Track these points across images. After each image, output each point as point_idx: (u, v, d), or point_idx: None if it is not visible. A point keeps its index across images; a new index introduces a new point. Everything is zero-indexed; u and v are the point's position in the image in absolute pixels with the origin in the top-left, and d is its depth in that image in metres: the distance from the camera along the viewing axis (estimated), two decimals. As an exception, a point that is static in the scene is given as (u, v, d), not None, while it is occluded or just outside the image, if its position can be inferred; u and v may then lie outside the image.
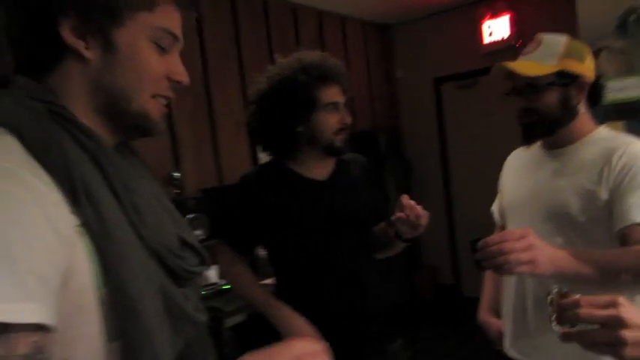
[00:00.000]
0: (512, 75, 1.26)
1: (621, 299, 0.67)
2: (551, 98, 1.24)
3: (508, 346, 1.38)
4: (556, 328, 0.71)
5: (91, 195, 0.59)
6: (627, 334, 0.65)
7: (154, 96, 0.69)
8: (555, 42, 1.26)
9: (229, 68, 3.16)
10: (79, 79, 0.65)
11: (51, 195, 0.56)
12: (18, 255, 0.49)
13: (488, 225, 1.57)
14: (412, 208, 1.26)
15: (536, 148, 1.37)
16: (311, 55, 1.43)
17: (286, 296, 1.36)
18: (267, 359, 0.62)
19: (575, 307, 0.68)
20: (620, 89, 2.13)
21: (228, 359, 1.60)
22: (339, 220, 1.41)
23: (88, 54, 0.64)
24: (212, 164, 3.02)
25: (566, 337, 0.70)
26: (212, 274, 2.59)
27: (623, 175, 1.14)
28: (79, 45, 0.63)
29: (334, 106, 1.40)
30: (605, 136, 1.26)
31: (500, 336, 1.42)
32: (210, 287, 2.52)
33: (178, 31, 0.71)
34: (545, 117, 1.24)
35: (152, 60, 0.67)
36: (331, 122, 1.40)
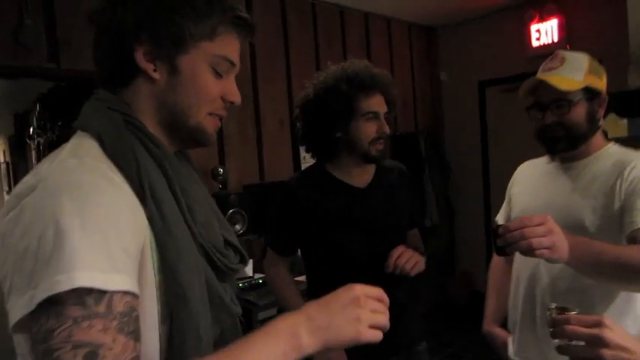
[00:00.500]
0: (537, 89, 1.30)
1: (608, 320, 0.75)
2: (581, 113, 1.27)
3: (514, 355, 1.41)
4: (554, 341, 0.78)
5: (156, 195, 0.69)
6: (607, 352, 0.73)
7: (210, 114, 0.79)
8: (579, 59, 1.29)
9: (277, 69, 3.27)
10: (147, 96, 0.76)
11: (127, 188, 0.67)
12: (110, 234, 0.60)
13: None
14: (394, 267, 1.36)
15: (549, 160, 1.40)
16: (356, 64, 1.50)
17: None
18: (326, 303, 0.70)
19: (566, 323, 0.76)
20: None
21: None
22: (373, 226, 1.49)
23: (155, 75, 0.75)
24: (255, 161, 3.15)
25: (559, 350, 0.78)
26: (248, 268, 2.72)
27: (634, 186, 1.17)
28: (149, 68, 0.74)
29: (373, 115, 1.46)
30: (617, 150, 1.30)
31: (504, 346, 1.46)
32: (246, 281, 2.65)
33: (236, 58, 0.80)
34: (572, 131, 1.26)
35: (209, 83, 0.77)
36: (369, 131, 1.46)
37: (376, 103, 1.47)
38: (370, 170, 1.57)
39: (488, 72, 4.09)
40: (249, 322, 2.41)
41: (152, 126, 0.76)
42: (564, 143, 1.29)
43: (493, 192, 4.24)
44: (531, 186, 1.46)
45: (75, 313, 0.56)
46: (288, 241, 1.56)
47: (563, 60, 1.29)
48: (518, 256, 1.43)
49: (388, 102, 1.51)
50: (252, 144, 3.13)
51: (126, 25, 0.73)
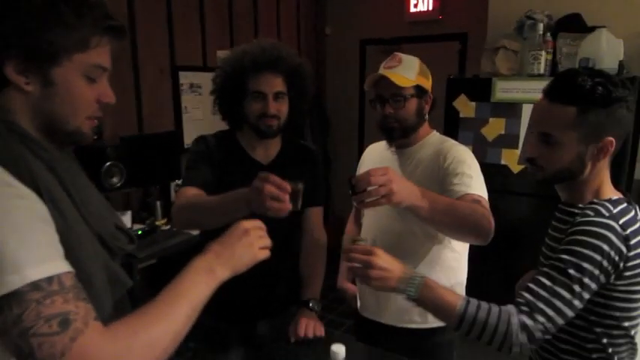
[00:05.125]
0: (378, 83, 1.52)
1: (379, 251, 1.09)
2: (412, 107, 1.52)
3: (361, 309, 1.72)
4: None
5: (52, 195, 0.75)
6: (373, 272, 1.06)
7: (87, 117, 0.84)
8: (412, 61, 1.54)
9: (157, 13, 3.11)
10: (21, 104, 0.79)
11: (27, 190, 0.72)
12: (36, 231, 0.69)
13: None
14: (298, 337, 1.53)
15: (387, 147, 1.65)
16: (258, 45, 1.58)
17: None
18: (226, 240, 0.90)
19: (350, 251, 1.09)
20: (507, 90, 2.44)
21: (139, 300, 1.82)
22: None
23: (27, 88, 0.77)
24: (133, 112, 3.05)
25: (349, 270, 1.09)
26: (127, 219, 2.71)
27: (448, 172, 1.46)
28: (20, 81, 0.76)
29: (258, 94, 1.54)
30: (436, 139, 1.60)
31: (354, 299, 1.78)
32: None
33: (108, 63, 0.85)
34: (404, 122, 1.51)
35: (84, 90, 0.82)
36: (254, 109, 1.55)
37: (264, 83, 1.54)
38: (274, 148, 1.67)
39: (370, 32, 4.28)
40: (131, 274, 2.46)
41: (32, 131, 0.79)
42: (398, 133, 1.54)
43: (367, 143, 4.58)
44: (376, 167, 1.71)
45: (35, 296, 0.65)
46: (202, 177, 1.57)
47: (400, 60, 1.52)
48: (363, 228, 1.70)
49: (289, 82, 1.58)
50: (130, 93, 3.01)
51: (7, 36, 0.74)
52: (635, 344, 1.14)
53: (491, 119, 2.50)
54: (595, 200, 1.12)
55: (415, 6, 3.99)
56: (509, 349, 1.01)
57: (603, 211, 1.07)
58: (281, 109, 1.57)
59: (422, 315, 1.58)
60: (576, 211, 1.14)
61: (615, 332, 1.10)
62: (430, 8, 3.94)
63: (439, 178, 1.47)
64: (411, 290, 1.06)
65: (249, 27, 3.81)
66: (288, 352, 1.53)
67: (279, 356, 1.52)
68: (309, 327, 1.55)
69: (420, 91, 1.53)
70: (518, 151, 2.46)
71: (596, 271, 1.01)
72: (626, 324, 1.10)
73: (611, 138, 1.08)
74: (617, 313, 1.08)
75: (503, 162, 2.51)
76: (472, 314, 1.02)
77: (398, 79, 1.47)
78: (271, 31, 4.01)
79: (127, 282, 0.92)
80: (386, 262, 1.08)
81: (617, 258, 1.02)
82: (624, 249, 1.03)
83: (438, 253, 1.56)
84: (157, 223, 2.97)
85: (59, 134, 0.83)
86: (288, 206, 1.22)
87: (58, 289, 0.67)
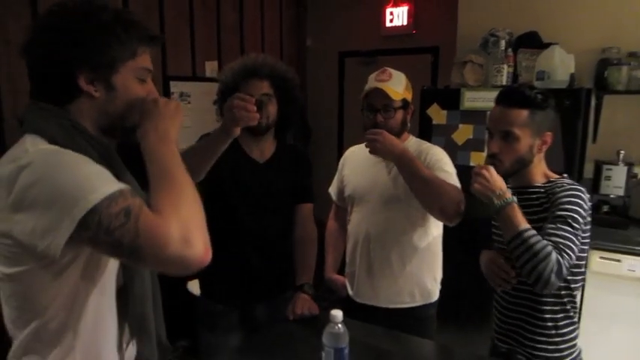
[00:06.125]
0: (369, 94, 1.76)
1: (491, 168, 1.44)
2: (399, 118, 1.78)
3: (355, 297, 1.94)
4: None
5: None
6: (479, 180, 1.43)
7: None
8: (400, 76, 1.79)
9: (149, 24, 3.28)
10: (89, 109, 0.99)
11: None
12: (98, 169, 0.88)
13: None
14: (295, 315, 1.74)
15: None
16: (250, 57, 1.83)
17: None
18: (158, 117, 1.00)
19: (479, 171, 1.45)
20: (474, 99, 2.72)
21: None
22: (257, 198, 1.84)
23: (96, 94, 0.98)
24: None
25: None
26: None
27: (429, 166, 1.72)
28: (90, 89, 0.97)
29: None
30: (414, 143, 1.86)
31: (344, 286, 2.00)
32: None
33: (151, 65, 1.06)
34: (392, 130, 1.74)
35: (138, 91, 1.03)
36: None
37: (252, 86, 1.76)
38: (269, 148, 1.90)
39: (349, 44, 4.53)
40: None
41: (94, 130, 1.00)
42: None
43: (346, 149, 4.81)
44: (360, 168, 1.95)
45: (106, 204, 0.82)
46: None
47: (390, 75, 1.76)
48: (352, 223, 1.94)
49: (275, 86, 1.81)
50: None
51: (69, 58, 0.94)
52: (574, 296, 1.46)
53: (460, 125, 2.78)
54: (553, 178, 1.48)
55: (391, 21, 4.25)
56: (538, 278, 1.27)
57: (571, 181, 1.45)
58: (268, 109, 1.79)
59: (410, 295, 1.83)
60: (531, 190, 1.48)
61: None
62: (405, 23, 4.20)
63: None
64: (499, 204, 1.37)
65: (236, 39, 4.02)
66: (285, 330, 1.70)
67: (277, 335, 1.69)
68: (305, 306, 1.76)
69: (405, 103, 1.77)
70: (484, 154, 2.74)
71: (582, 222, 1.36)
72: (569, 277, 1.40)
73: (549, 132, 1.44)
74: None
75: (472, 163, 2.78)
76: (527, 236, 1.30)
77: (391, 91, 1.71)
78: (256, 43, 4.23)
79: None
80: (495, 178, 1.40)
81: (586, 214, 1.39)
82: (589, 209, 1.41)
83: (419, 240, 1.81)
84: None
85: (118, 130, 1.03)
86: (256, 115, 1.50)
87: (120, 196, 0.84)
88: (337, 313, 1.28)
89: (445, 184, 1.64)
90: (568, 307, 1.45)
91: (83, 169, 0.86)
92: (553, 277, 1.25)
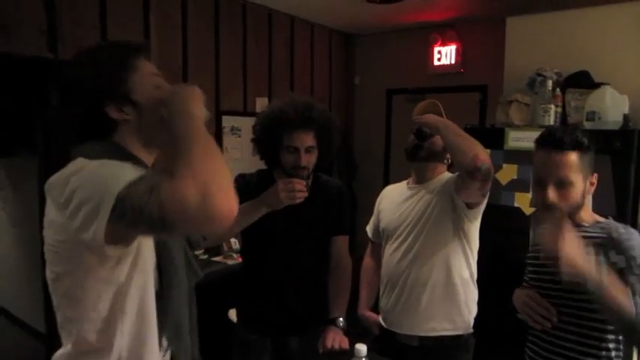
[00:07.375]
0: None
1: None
2: (439, 141, 1.83)
3: (385, 325, 1.94)
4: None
5: None
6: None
7: None
8: (439, 107, 1.87)
9: (206, 64, 3.51)
10: (130, 133, 1.08)
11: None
12: (127, 169, 0.95)
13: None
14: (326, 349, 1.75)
15: (404, 185, 1.95)
16: (292, 101, 1.84)
17: (248, 272, 1.97)
18: (180, 100, 1.01)
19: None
20: (519, 139, 2.68)
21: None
22: (295, 231, 1.89)
23: (128, 117, 1.07)
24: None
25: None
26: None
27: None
28: (122, 116, 1.06)
29: (293, 149, 1.80)
30: (447, 177, 1.87)
31: (376, 324, 1.99)
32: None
33: (154, 68, 1.13)
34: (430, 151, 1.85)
35: (157, 94, 1.08)
36: (288, 161, 1.81)
37: (297, 139, 1.78)
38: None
39: (396, 81, 4.60)
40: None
41: (137, 149, 1.09)
42: (423, 153, 1.88)
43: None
44: (394, 204, 1.99)
45: (132, 188, 0.87)
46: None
47: (435, 104, 1.88)
48: (385, 256, 1.95)
49: (318, 137, 1.82)
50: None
51: (97, 92, 1.04)
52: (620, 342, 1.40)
53: (504, 165, 2.74)
54: (601, 220, 1.44)
55: (439, 60, 4.31)
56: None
57: (622, 224, 1.40)
58: (310, 159, 1.83)
59: (443, 328, 1.82)
60: (579, 230, 1.38)
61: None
62: (453, 62, 4.25)
63: (450, 192, 1.76)
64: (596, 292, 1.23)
65: (286, 77, 4.19)
66: (315, 362, 1.73)
67: (308, 367, 1.73)
68: (336, 340, 1.77)
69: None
70: (529, 195, 2.67)
71: None
72: None
73: (595, 174, 1.41)
74: None
75: (515, 204, 2.72)
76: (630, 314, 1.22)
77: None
78: (305, 81, 4.39)
79: (198, 272, 1.17)
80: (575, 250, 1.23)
81: None
82: None
83: (453, 273, 1.81)
84: (196, 252, 3.25)
85: (155, 136, 1.08)
86: (305, 194, 1.69)
87: (142, 179, 0.89)
88: (361, 347, 1.30)
89: (473, 144, 1.66)
90: (611, 345, 1.38)
91: (119, 168, 0.94)
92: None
